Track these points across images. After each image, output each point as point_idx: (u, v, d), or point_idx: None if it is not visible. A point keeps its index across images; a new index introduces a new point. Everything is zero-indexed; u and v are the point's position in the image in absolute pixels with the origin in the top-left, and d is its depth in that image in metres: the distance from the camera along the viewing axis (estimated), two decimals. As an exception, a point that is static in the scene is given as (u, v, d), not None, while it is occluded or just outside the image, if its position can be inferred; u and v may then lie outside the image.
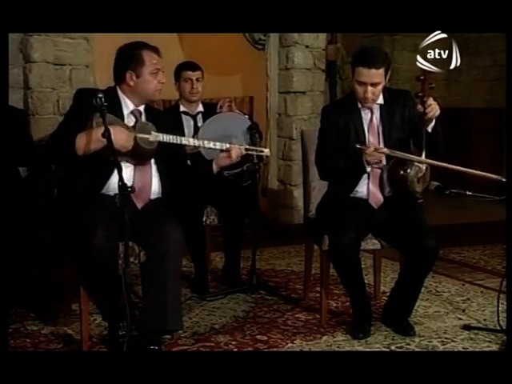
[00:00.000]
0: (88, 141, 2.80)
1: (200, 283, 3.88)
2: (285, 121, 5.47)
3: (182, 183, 3.36)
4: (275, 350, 3.06)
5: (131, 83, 3.01)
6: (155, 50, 3.05)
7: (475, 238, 5.14)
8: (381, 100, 3.29)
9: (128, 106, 3.03)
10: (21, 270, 3.60)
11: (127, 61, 3.01)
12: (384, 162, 3.23)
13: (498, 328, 3.18)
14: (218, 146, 3.11)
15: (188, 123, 4.06)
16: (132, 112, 3.04)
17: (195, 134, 3.89)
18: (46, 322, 3.36)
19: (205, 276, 3.93)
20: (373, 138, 3.27)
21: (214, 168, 3.12)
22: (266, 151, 3.23)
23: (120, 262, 2.81)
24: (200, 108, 4.11)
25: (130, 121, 3.00)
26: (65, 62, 4.52)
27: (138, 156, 2.94)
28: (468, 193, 3.14)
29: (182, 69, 4.09)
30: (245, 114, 4.11)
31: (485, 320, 3.42)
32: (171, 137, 2.98)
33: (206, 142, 3.09)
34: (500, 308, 3.21)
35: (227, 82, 6.08)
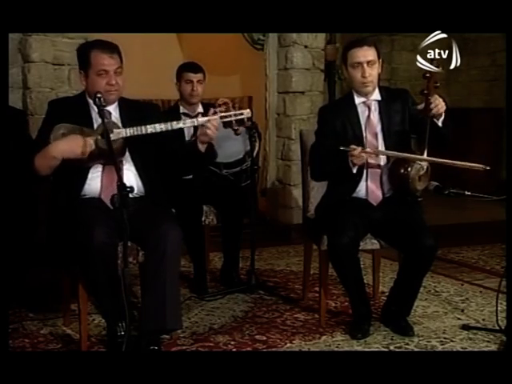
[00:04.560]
0: (43, 161, 2.85)
1: (199, 283, 3.88)
2: (284, 121, 5.47)
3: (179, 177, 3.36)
4: (274, 350, 3.06)
5: (83, 84, 3.01)
6: (107, 49, 2.95)
7: (474, 237, 5.14)
8: (377, 96, 3.30)
9: (94, 107, 2.88)
10: (20, 270, 3.60)
11: (79, 61, 3.03)
12: (384, 161, 3.24)
13: (497, 328, 3.18)
14: (189, 122, 3.01)
15: (187, 124, 4.05)
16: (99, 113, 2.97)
17: (195, 134, 3.88)
18: (44, 322, 3.36)
19: (204, 276, 3.93)
20: (371, 135, 3.27)
21: (200, 147, 2.99)
22: (246, 112, 2.95)
23: (119, 262, 2.82)
24: (200, 109, 4.09)
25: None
26: (63, 62, 4.52)
27: (106, 157, 2.86)
28: (467, 193, 3.14)
29: (183, 69, 4.06)
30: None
31: (484, 320, 3.42)
32: (135, 129, 2.87)
33: (174, 123, 2.91)
34: (499, 308, 3.20)
35: (226, 82, 6.08)
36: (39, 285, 3.83)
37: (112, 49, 2.97)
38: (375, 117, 3.29)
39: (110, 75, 2.94)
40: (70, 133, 2.88)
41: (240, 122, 2.97)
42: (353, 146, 3.09)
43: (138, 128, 2.87)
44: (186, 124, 3.00)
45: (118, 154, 2.91)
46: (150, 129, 2.88)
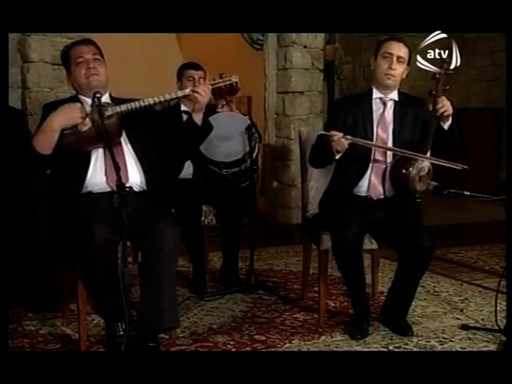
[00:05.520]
0: (43, 137, 2.87)
1: (198, 283, 3.87)
2: (283, 121, 5.48)
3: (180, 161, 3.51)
4: (273, 350, 3.06)
5: (70, 82, 3.11)
6: (85, 42, 3.08)
7: (473, 237, 5.14)
8: (395, 96, 3.33)
9: (88, 102, 2.98)
10: (19, 270, 3.59)
11: (63, 64, 3.14)
12: (390, 158, 3.25)
13: (496, 328, 3.18)
14: (180, 93, 3.09)
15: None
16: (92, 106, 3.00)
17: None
18: (43, 322, 3.36)
19: (203, 276, 3.93)
20: (382, 131, 3.29)
21: (196, 118, 3.08)
22: (234, 77, 3.11)
23: (118, 261, 2.82)
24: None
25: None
26: (63, 62, 4.51)
27: (103, 135, 2.85)
28: (466, 193, 3.14)
29: (184, 68, 4.12)
30: (244, 115, 4.11)
31: (483, 320, 3.42)
32: (128, 105, 2.93)
33: (167, 95, 3.02)
34: (498, 308, 3.20)
35: (225, 81, 6.07)
36: (39, 285, 3.83)
37: (87, 41, 3.10)
38: (389, 115, 3.31)
39: (88, 61, 3.01)
40: None
41: (230, 88, 3.12)
42: (333, 132, 3.10)
43: (132, 104, 2.94)
44: (177, 95, 3.08)
45: (115, 133, 2.92)
46: (143, 103, 2.95)
